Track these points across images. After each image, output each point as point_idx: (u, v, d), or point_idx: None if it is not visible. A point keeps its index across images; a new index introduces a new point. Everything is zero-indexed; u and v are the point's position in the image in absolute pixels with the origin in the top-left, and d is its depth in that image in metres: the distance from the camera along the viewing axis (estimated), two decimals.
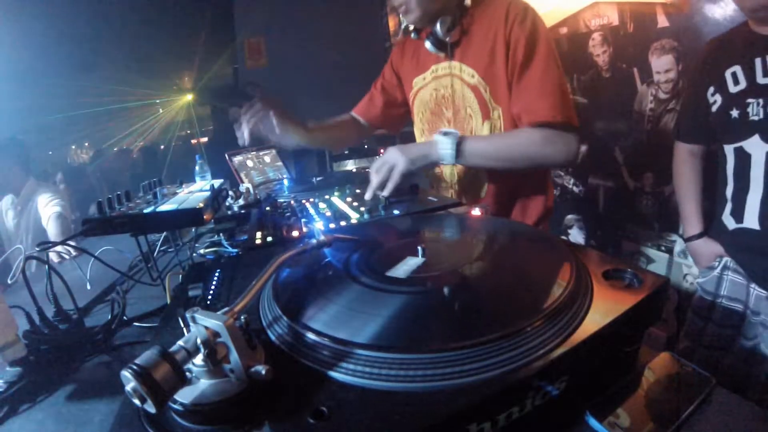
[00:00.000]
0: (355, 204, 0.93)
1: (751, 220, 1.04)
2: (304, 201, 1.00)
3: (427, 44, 1.05)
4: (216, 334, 0.35)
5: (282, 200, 1.05)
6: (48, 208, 2.04)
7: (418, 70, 1.17)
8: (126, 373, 0.30)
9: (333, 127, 1.32)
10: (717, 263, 1.15)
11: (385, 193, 0.94)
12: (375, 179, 0.95)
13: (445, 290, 0.47)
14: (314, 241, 0.60)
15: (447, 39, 1.01)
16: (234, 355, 0.34)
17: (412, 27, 1.13)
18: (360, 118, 1.35)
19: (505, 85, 0.98)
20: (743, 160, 1.03)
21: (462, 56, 1.04)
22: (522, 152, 0.96)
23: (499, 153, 0.97)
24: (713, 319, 1.14)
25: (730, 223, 1.10)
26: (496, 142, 1.00)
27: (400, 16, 1.08)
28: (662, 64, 1.48)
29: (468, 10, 1.02)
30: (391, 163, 0.95)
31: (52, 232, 1.99)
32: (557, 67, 0.94)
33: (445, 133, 0.95)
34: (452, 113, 1.11)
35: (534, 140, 0.94)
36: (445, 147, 0.94)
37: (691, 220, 1.23)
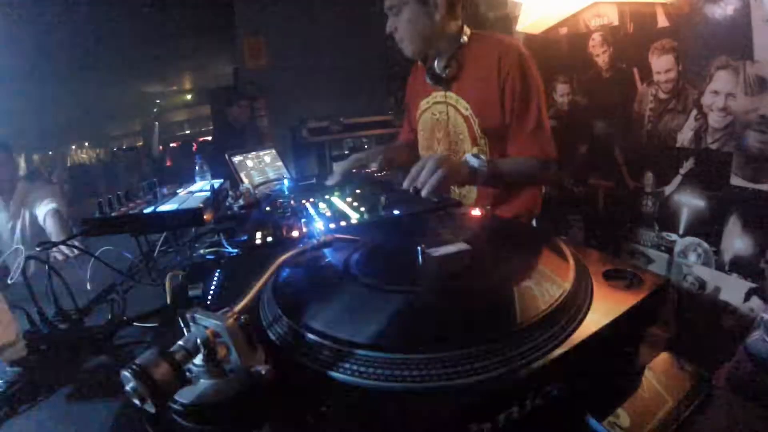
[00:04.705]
0: (355, 204, 0.93)
1: None
2: (304, 201, 1.00)
3: (427, 78, 1.16)
4: (216, 334, 0.35)
5: (282, 200, 1.05)
6: (43, 207, 2.04)
7: (424, 93, 1.26)
8: (126, 373, 0.30)
9: (399, 154, 1.39)
10: None
11: (421, 184, 0.91)
12: (414, 170, 0.93)
13: (445, 290, 0.47)
14: (314, 241, 0.60)
15: (444, 75, 1.12)
16: (234, 355, 0.34)
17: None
18: (404, 143, 1.44)
19: (493, 119, 1.10)
20: None
21: (458, 89, 1.14)
22: (528, 176, 1.15)
23: (513, 176, 1.12)
24: None
25: None
26: (516, 167, 1.12)
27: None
28: (662, 64, 1.48)
29: (464, 46, 1.11)
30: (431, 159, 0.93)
31: (50, 229, 1.99)
32: (545, 107, 1.11)
33: (475, 156, 1.04)
34: (443, 135, 1.23)
35: (537, 170, 1.13)
36: (481, 164, 1.04)
37: None
